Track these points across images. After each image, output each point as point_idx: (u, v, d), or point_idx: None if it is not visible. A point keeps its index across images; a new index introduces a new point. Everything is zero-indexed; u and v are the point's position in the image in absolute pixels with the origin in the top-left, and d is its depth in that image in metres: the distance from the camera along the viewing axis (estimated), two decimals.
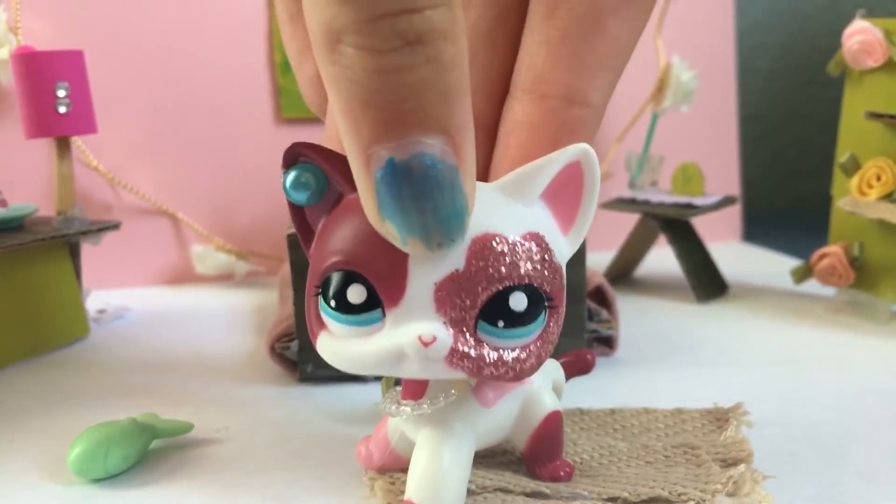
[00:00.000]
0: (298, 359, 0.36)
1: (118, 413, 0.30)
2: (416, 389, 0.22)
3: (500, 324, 0.19)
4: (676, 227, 0.51)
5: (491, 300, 0.19)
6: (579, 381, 0.35)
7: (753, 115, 0.87)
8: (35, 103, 0.42)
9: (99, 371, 0.39)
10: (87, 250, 0.47)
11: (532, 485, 0.24)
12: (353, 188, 0.19)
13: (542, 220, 0.21)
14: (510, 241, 0.19)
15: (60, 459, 0.28)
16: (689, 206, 0.50)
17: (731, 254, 0.62)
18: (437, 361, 0.19)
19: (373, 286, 0.19)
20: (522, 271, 0.19)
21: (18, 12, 0.51)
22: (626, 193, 0.54)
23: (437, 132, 0.17)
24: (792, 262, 0.58)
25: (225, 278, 0.58)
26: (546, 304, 0.20)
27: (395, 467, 0.25)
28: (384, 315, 0.19)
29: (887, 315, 0.44)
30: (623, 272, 0.56)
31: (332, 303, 0.19)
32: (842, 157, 0.46)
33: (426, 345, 0.19)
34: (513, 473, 0.25)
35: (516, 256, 0.19)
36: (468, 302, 0.19)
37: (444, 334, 0.19)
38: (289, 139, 0.66)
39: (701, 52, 0.66)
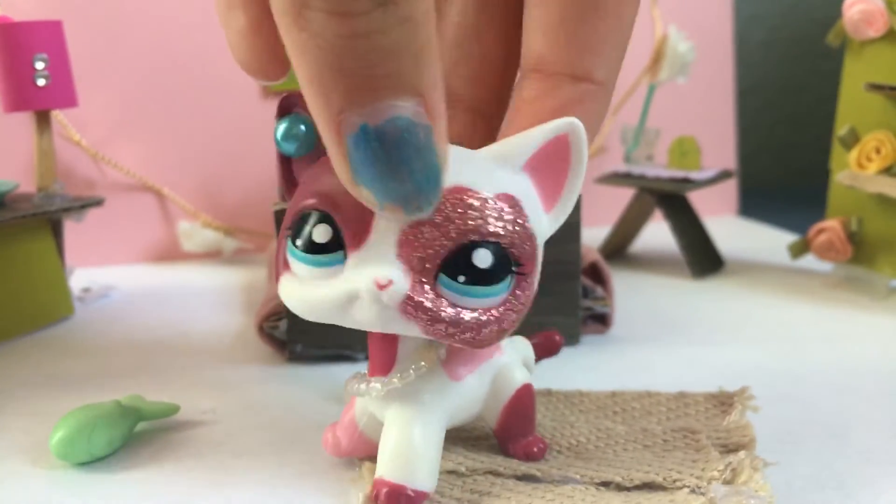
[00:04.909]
0: (287, 338, 0.35)
1: (103, 395, 0.29)
2: (383, 364, 0.22)
3: (461, 279, 0.19)
4: (672, 201, 0.50)
5: (454, 253, 0.19)
6: (574, 359, 0.35)
7: (750, 88, 0.86)
8: (13, 76, 0.41)
9: (83, 351, 0.38)
10: (71, 228, 0.46)
11: (523, 467, 0.24)
12: None
13: (523, 188, 0.20)
14: (481, 197, 0.19)
15: (43, 443, 0.27)
16: (686, 181, 0.49)
17: (728, 229, 0.62)
18: (390, 308, 0.19)
19: (338, 227, 0.19)
20: (491, 228, 0.19)
21: None
22: (622, 168, 0.53)
23: (409, 94, 0.16)
24: (789, 237, 0.57)
25: (212, 256, 0.58)
26: (513, 268, 0.20)
27: (365, 453, 0.24)
28: (346, 258, 0.19)
29: (885, 290, 0.43)
30: (618, 248, 0.55)
31: (298, 242, 0.20)
32: (841, 129, 0.45)
33: (381, 288, 0.18)
34: (504, 457, 0.25)
35: (486, 213, 0.19)
36: (430, 251, 0.19)
37: (401, 279, 0.19)
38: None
39: (697, 22, 0.65)
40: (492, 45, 0.23)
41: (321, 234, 0.19)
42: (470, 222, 0.19)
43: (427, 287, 0.19)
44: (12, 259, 0.40)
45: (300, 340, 0.35)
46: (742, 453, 0.23)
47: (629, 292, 0.45)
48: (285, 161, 0.21)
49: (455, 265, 0.19)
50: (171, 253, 0.58)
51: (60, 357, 0.37)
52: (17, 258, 0.41)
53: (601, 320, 0.38)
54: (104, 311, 0.45)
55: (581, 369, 0.34)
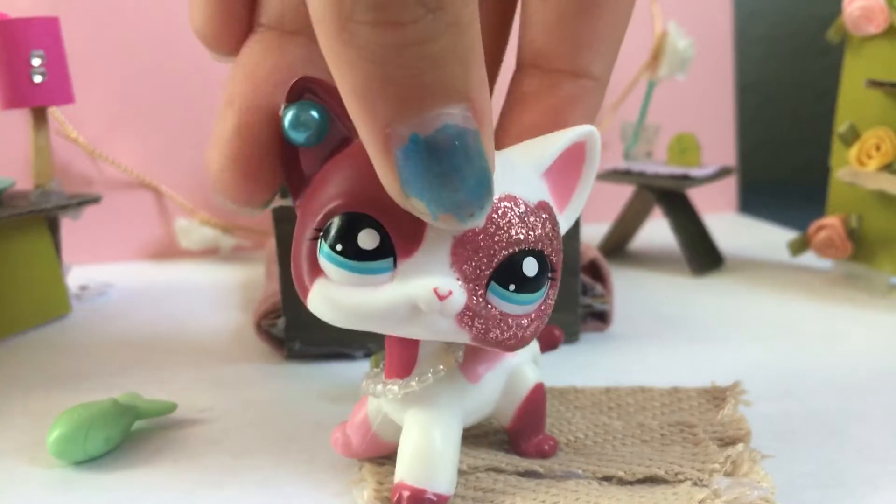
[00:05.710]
0: (285, 336, 0.35)
1: (100, 393, 0.29)
2: (402, 367, 0.21)
3: (511, 287, 0.19)
4: (672, 198, 0.50)
5: (505, 262, 0.19)
6: (573, 357, 0.35)
7: (750, 84, 0.86)
8: (9, 72, 0.41)
9: (80, 350, 0.38)
10: (68, 225, 0.46)
11: (525, 464, 0.24)
12: None
13: (547, 192, 0.21)
14: (527, 205, 0.19)
15: (40, 442, 0.27)
16: (685, 178, 0.49)
17: (727, 226, 0.62)
18: (447, 318, 0.18)
19: (387, 233, 0.18)
20: (537, 237, 0.19)
21: None
22: (621, 164, 0.53)
23: (458, 100, 0.16)
24: (789, 235, 0.57)
25: (210, 253, 0.57)
26: (550, 274, 0.20)
27: (377, 453, 0.24)
28: (395, 265, 0.18)
29: (885, 288, 0.43)
30: (618, 245, 0.55)
31: (339, 247, 0.18)
32: (841, 126, 0.45)
33: (441, 298, 0.18)
34: (505, 453, 0.25)
35: (533, 222, 0.19)
36: (485, 261, 0.19)
37: (459, 290, 0.18)
38: None
39: (697, 18, 0.65)
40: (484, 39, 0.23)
41: (368, 239, 0.18)
42: (521, 231, 0.19)
43: (481, 296, 0.19)
44: (9, 257, 0.40)
45: (298, 338, 0.35)
46: (740, 446, 0.24)
47: (629, 289, 0.45)
48: (292, 152, 0.20)
49: (505, 273, 0.19)
50: (168, 250, 0.57)
51: (57, 355, 0.37)
52: (14, 256, 0.40)
53: (601, 318, 0.38)
54: (101, 308, 0.45)
55: (581, 366, 0.34)
